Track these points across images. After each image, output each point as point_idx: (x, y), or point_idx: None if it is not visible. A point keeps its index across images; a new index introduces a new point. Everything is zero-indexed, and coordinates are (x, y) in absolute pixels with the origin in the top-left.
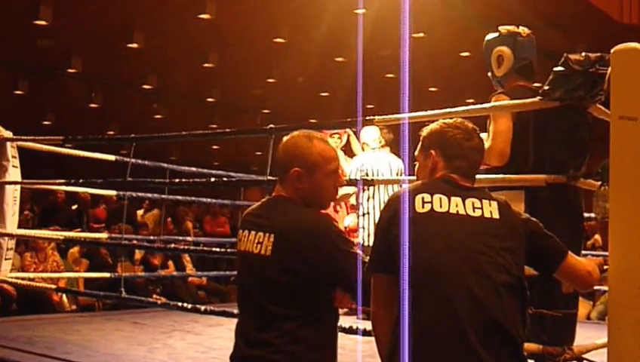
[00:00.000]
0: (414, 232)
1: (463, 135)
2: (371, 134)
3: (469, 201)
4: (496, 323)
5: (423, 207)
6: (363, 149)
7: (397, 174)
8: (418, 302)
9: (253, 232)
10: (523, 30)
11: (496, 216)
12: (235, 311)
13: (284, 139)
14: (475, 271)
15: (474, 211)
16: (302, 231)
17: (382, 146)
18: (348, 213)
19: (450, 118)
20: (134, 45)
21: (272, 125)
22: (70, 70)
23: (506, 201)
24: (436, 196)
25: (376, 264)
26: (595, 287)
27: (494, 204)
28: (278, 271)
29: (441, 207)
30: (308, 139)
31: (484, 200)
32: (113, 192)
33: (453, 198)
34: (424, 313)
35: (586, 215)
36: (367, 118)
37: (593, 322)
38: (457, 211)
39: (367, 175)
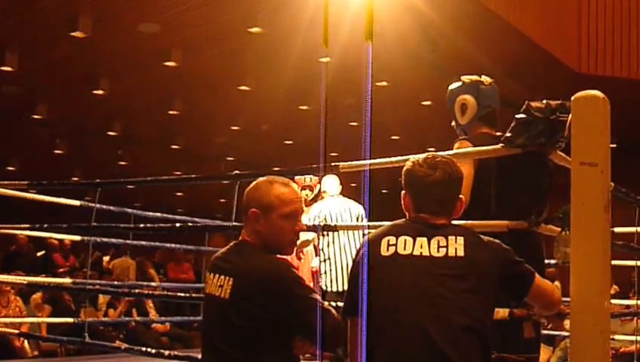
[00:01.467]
0: (379, 276)
1: (425, 171)
2: (331, 182)
3: (434, 241)
4: None
5: (387, 250)
6: (322, 197)
7: (357, 219)
8: (379, 345)
9: (217, 275)
10: (485, 79)
11: (461, 253)
12: (199, 356)
13: (252, 185)
14: (435, 315)
15: (438, 251)
16: (256, 277)
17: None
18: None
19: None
20: (99, 92)
21: (237, 171)
22: (35, 116)
23: (473, 233)
24: (401, 238)
25: (349, 308)
26: (555, 333)
27: (460, 240)
28: (235, 315)
29: (405, 249)
30: (268, 183)
31: (449, 237)
32: (78, 237)
33: (418, 239)
34: (382, 357)
35: (546, 261)
36: (332, 164)
37: None
38: (421, 253)
39: (325, 221)
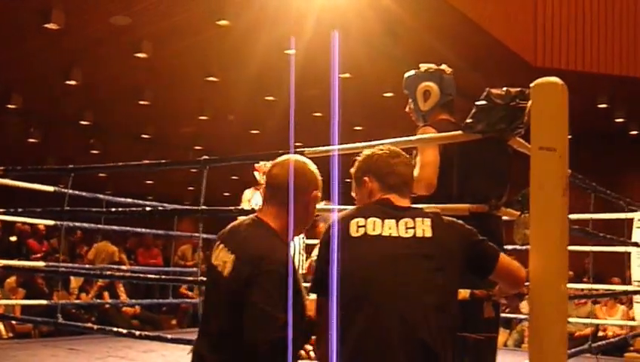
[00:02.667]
0: (349, 256)
1: (388, 153)
2: None
3: (402, 222)
4: (425, 346)
5: (357, 231)
6: None
7: None
8: (350, 324)
9: (223, 247)
10: (446, 68)
11: (428, 234)
12: (170, 336)
13: (283, 160)
14: (406, 293)
15: (406, 232)
16: (255, 257)
17: None
18: None
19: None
20: (72, 82)
21: (206, 157)
22: (10, 106)
23: (437, 215)
24: (370, 220)
25: (317, 288)
26: (512, 315)
27: (427, 221)
28: (230, 291)
29: (374, 230)
30: (302, 162)
31: (417, 219)
32: (51, 222)
33: (386, 221)
34: (355, 335)
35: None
36: (298, 150)
37: (509, 348)
38: (390, 233)
39: None
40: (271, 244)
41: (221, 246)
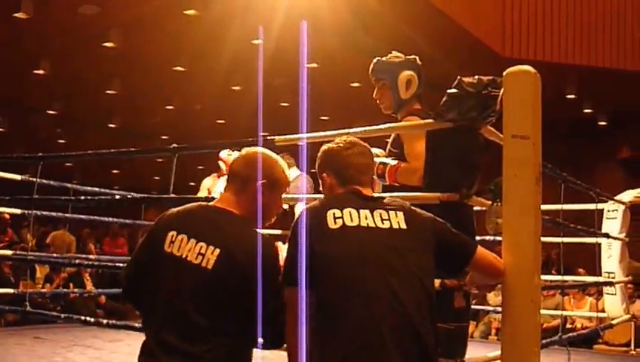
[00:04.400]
0: (330, 248)
1: (341, 146)
2: (303, 183)
3: (376, 213)
4: (418, 335)
5: (335, 222)
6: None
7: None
8: (342, 316)
9: (192, 240)
10: (416, 58)
11: (403, 226)
12: (137, 324)
13: (245, 152)
14: (395, 286)
15: (382, 223)
16: (251, 253)
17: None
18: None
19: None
20: (40, 71)
21: (175, 145)
22: None
23: (409, 207)
24: (346, 210)
25: (289, 279)
26: (479, 307)
27: (400, 214)
28: (215, 285)
29: (351, 221)
30: (272, 158)
31: (390, 211)
32: (18, 211)
33: (362, 211)
34: (348, 327)
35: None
36: (268, 138)
37: (476, 340)
38: (368, 224)
39: None
40: (253, 234)
41: (181, 236)
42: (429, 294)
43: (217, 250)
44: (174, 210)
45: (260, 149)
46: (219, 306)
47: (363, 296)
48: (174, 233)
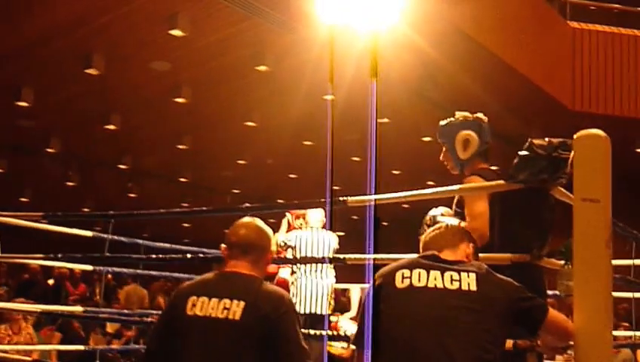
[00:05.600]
0: (394, 308)
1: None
2: (316, 216)
3: (447, 274)
4: None
5: (402, 282)
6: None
7: (329, 249)
8: None
9: (215, 300)
10: (483, 116)
11: (473, 288)
12: None
13: (249, 222)
14: (450, 346)
15: (452, 284)
16: (275, 300)
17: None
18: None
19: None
20: (111, 127)
21: (247, 204)
22: (49, 150)
23: (486, 269)
24: (415, 271)
25: (358, 340)
26: None
27: (472, 275)
28: (243, 336)
29: (419, 281)
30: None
31: (462, 273)
32: (90, 267)
33: (432, 272)
34: None
35: (549, 292)
36: (340, 198)
37: None
38: (435, 285)
39: (292, 247)
40: (276, 289)
41: (202, 298)
42: (486, 358)
43: (242, 303)
44: (191, 281)
45: (256, 220)
46: (246, 358)
47: (411, 354)
48: (194, 298)
